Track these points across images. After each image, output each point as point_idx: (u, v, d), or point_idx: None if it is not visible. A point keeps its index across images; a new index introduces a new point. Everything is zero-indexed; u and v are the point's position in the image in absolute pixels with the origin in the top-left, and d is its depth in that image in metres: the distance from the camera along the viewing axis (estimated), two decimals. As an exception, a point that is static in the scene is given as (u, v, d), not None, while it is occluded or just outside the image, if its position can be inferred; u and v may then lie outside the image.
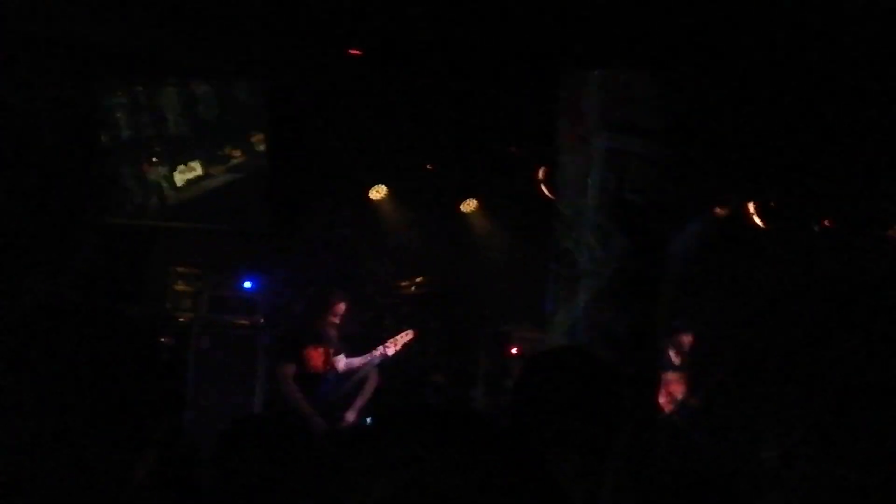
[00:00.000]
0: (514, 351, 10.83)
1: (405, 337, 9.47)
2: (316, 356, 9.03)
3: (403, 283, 11.42)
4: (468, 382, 11.18)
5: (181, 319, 10.33)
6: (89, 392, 1.56)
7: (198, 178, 10.14)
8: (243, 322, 10.31)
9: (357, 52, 7.57)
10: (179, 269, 10.50)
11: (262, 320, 10.33)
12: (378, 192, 11.41)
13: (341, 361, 9.22)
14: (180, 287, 10.51)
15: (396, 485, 1.10)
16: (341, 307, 9.16)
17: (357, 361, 9.29)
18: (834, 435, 10.36)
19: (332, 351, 9.15)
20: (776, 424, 11.06)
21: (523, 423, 2.61)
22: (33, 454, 1.53)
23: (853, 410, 10.57)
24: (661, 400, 10.14)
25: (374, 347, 9.51)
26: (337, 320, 9.17)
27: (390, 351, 9.38)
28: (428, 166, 11.01)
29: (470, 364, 11.18)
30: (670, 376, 10.30)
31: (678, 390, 10.38)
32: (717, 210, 11.34)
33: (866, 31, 6.49)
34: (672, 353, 10.33)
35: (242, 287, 10.57)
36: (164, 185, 10.26)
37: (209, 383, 9.96)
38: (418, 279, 11.40)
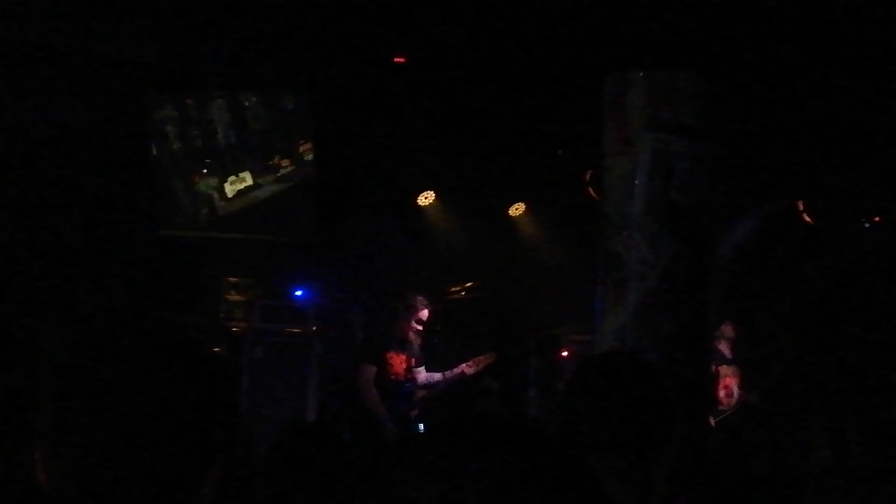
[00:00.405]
0: (564, 354, 10.83)
1: (487, 359, 9.41)
2: (398, 362, 9.03)
3: (454, 289, 11.43)
4: (520, 386, 11.18)
5: (234, 329, 10.40)
6: (153, 406, 1.58)
7: (248, 189, 10.22)
8: (296, 331, 10.35)
9: (402, 59, 7.61)
10: (231, 280, 10.57)
11: (314, 329, 10.37)
12: (426, 199, 11.44)
13: (422, 374, 9.22)
14: (233, 297, 10.58)
15: (441, 493, 1.12)
16: (425, 313, 9.16)
17: (437, 377, 9.28)
18: (887, 432, 10.28)
19: (413, 360, 9.16)
20: (829, 422, 10.99)
21: (572, 429, 2.63)
22: (98, 469, 1.55)
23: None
24: (720, 393, 10.15)
25: (426, 353, 9.55)
26: (420, 327, 9.17)
27: (470, 370, 9.33)
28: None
29: (521, 368, 11.18)
30: (724, 370, 10.29)
31: (733, 383, 10.37)
32: (767, 208, 11.29)
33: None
34: (723, 347, 10.33)
35: (294, 296, 10.63)
36: (215, 196, 10.34)
37: (263, 392, 10.02)
38: (468, 284, 11.41)
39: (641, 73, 6.11)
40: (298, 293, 10.61)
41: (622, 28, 6.31)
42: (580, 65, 6.86)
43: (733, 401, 10.29)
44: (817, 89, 7.69)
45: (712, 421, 9.18)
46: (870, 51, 6.86)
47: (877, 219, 11.35)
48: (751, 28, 6.42)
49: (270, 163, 10.06)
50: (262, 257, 10.68)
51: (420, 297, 9.22)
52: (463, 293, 11.40)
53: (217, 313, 10.45)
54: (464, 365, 9.33)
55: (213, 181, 10.30)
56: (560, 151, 10.54)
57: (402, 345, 9.08)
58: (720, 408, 10.11)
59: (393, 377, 8.98)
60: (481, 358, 9.40)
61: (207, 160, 10.25)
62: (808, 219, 11.20)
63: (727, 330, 10.34)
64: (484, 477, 1.11)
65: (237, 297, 10.52)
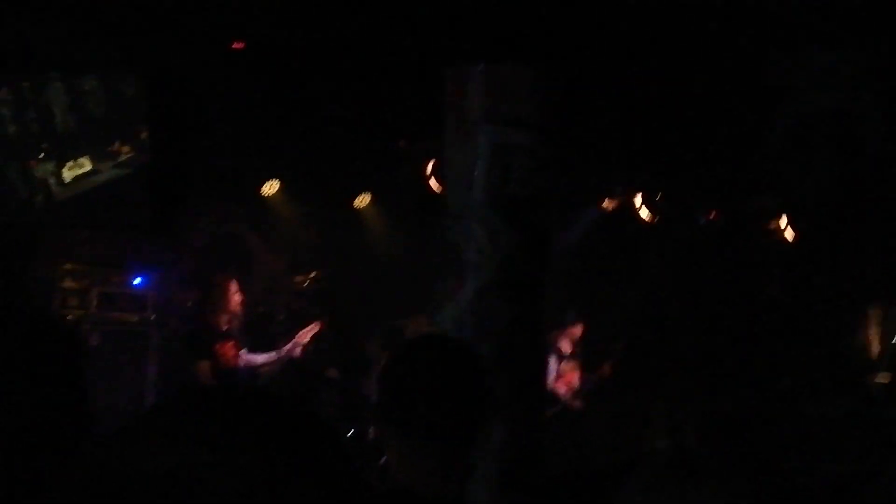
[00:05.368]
0: (409, 344, 10.85)
1: (313, 328, 9.41)
2: (227, 350, 8.94)
3: (297, 278, 11.38)
4: (362, 376, 11.16)
5: (69, 317, 10.19)
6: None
7: (85, 174, 9.96)
8: (133, 319, 10.22)
9: (240, 45, 7.52)
10: (67, 266, 10.34)
11: (152, 317, 10.25)
12: (271, 188, 11.35)
13: (251, 356, 9.16)
14: (68, 284, 10.36)
15: (175, 463, 1.08)
16: (237, 298, 9.05)
17: (260, 359, 9.23)
18: (725, 423, 10.55)
19: (237, 343, 9.08)
20: (668, 413, 11.24)
21: (387, 414, 2.62)
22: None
23: (741, 398, 10.79)
24: (561, 389, 10.31)
25: (269, 342, 9.50)
26: (237, 311, 9.08)
27: (297, 351, 9.30)
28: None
29: (364, 358, 11.17)
30: (566, 366, 10.47)
31: (575, 378, 10.55)
32: (605, 203, 11.50)
33: (748, 25, 6.62)
34: (564, 343, 10.50)
35: (132, 284, 10.47)
36: (52, 181, 10.06)
37: (99, 381, 9.84)
38: (312, 274, 11.37)
39: (480, 67, 6.16)
40: (137, 281, 10.45)
41: (461, 21, 6.33)
42: (421, 57, 6.86)
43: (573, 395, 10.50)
44: (656, 84, 7.83)
45: (550, 414, 9.30)
46: (710, 44, 7.01)
47: (712, 214, 11.65)
48: (590, 22, 6.50)
49: (110, 148, 9.81)
50: (101, 244, 10.46)
51: (229, 283, 9.09)
52: (306, 283, 11.36)
53: (52, 300, 10.21)
54: (288, 345, 9.27)
55: (50, 166, 10.00)
56: (402, 142, 10.55)
57: (226, 333, 8.98)
58: (560, 402, 10.27)
59: (226, 367, 8.89)
60: (305, 330, 9.38)
61: (44, 144, 9.96)
62: (645, 213, 11.44)
63: (575, 331, 10.54)
64: (220, 448, 1.08)
65: (73, 285, 10.30)
